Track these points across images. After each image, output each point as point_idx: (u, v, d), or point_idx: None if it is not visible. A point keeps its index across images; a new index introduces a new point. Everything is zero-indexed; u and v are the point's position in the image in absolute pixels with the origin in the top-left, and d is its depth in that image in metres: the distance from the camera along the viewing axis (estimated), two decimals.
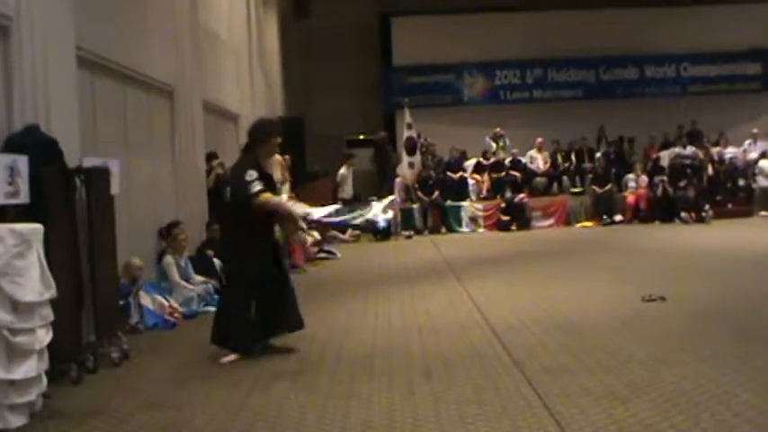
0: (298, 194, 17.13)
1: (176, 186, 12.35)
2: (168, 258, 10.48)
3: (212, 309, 10.34)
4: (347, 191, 21.15)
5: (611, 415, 5.26)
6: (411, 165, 21.80)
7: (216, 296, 10.79)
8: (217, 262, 11.64)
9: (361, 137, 25.21)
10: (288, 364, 7.30)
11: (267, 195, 7.41)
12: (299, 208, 7.82)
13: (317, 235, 17.18)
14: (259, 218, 7.48)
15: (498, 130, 23.44)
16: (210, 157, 13.70)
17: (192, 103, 12.87)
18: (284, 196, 13.13)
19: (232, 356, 7.49)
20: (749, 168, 22.99)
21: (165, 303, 9.69)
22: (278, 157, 7.89)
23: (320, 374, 6.81)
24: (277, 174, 7.72)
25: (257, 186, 7.33)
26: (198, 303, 10.30)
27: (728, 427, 4.94)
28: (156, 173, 11.72)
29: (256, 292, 7.59)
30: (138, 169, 10.86)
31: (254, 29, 19.05)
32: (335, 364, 7.16)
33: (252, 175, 7.37)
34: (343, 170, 21.57)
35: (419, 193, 21.45)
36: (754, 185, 22.59)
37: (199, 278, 10.81)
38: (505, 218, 21.24)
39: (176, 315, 9.72)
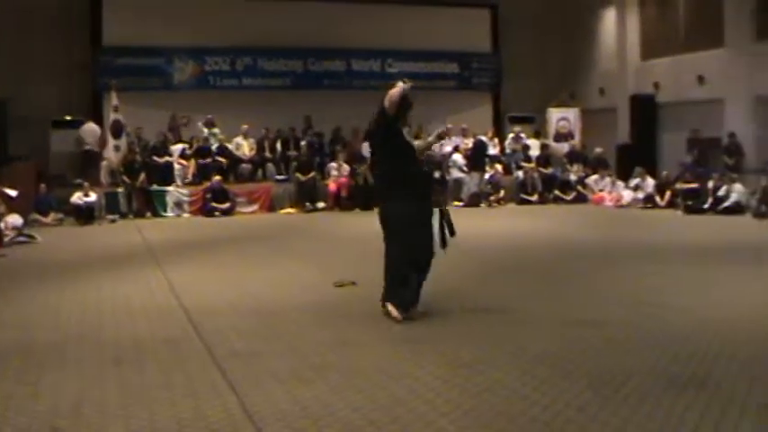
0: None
1: None
2: None
3: None
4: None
5: (295, 396, 5.50)
6: (117, 148, 21.39)
7: None
8: None
9: (68, 118, 24.31)
10: None
11: None
12: None
13: (17, 218, 16.58)
14: None
15: (210, 116, 23.52)
16: None
17: None
18: None
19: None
20: (445, 161, 24.38)
21: None
22: None
23: (9, 363, 6.66)
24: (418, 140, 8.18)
25: None
26: None
27: (397, 400, 5.35)
28: None
29: None
30: None
31: None
32: (27, 352, 7.01)
33: None
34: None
35: (124, 177, 21.07)
36: (448, 177, 23.95)
37: None
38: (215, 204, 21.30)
39: None
